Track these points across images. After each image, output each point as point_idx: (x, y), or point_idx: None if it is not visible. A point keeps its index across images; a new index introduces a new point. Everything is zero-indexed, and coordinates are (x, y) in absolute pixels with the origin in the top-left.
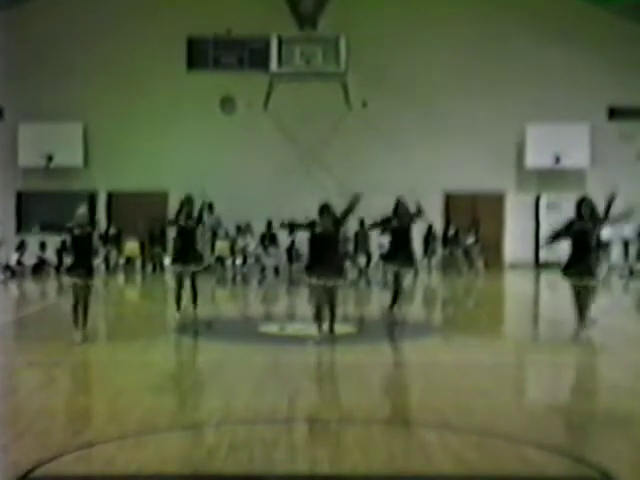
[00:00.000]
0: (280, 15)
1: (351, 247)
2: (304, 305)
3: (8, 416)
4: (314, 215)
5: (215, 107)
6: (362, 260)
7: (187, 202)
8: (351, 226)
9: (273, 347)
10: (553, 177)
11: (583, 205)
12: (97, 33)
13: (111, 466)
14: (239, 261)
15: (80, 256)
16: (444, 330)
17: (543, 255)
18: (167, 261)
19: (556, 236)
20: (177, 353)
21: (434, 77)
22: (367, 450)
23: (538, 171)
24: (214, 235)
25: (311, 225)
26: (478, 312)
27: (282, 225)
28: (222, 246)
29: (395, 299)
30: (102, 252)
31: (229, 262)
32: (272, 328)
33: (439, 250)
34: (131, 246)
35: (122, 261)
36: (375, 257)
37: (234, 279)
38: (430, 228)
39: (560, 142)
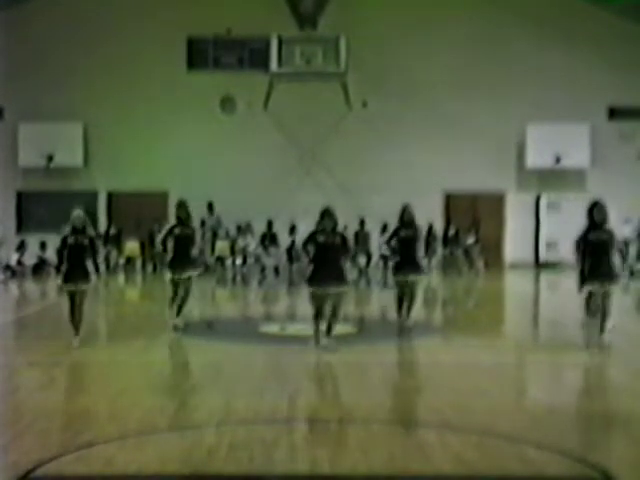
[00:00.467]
0: (280, 15)
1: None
2: (304, 305)
3: (8, 416)
4: (314, 215)
5: (215, 107)
6: (362, 260)
7: (179, 207)
8: (351, 226)
9: (273, 347)
10: (553, 177)
11: (595, 210)
12: (97, 33)
13: (111, 466)
14: (239, 261)
15: (75, 262)
16: (444, 330)
17: (543, 255)
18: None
19: (579, 249)
20: (177, 353)
21: (434, 77)
22: (367, 450)
23: (538, 171)
24: (214, 235)
25: (312, 235)
26: (478, 312)
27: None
28: (222, 246)
29: (409, 308)
30: (102, 252)
31: (229, 262)
32: (272, 328)
33: (439, 250)
34: (131, 246)
35: (122, 261)
36: (375, 257)
37: (234, 279)
38: (430, 228)
39: (560, 142)
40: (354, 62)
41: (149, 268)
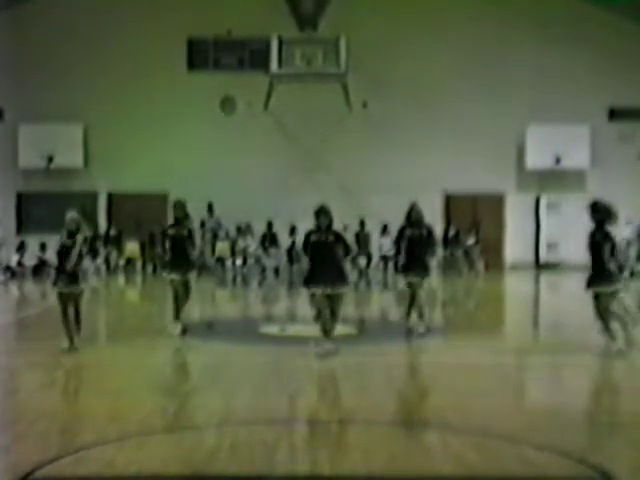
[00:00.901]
0: (280, 16)
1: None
2: (305, 306)
3: (8, 417)
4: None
5: (215, 108)
6: (362, 261)
7: (175, 207)
8: (351, 227)
9: (274, 348)
10: (553, 178)
11: (595, 210)
12: (97, 34)
13: (111, 467)
14: (239, 262)
15: (64, 264)
16: (445, 331)
17: (543, 256)
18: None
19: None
20: (178, 354)
21: (434, 78)
22: (368, 451)
23: (538, 172)
24: (214, 236)
25: (308, 235)
26: (479, 313)
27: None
28: (222, 247)
29: (421, 312)
30: (102, 253)
31: (229, 263)
32: (273, 329)
33: (439, 251)
34: (131, 247)
35: (122, 262)
36: (375, 258)
37: (234, 280)
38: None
39: (560, 143)
40: (354, 63)
41: (149, 269)
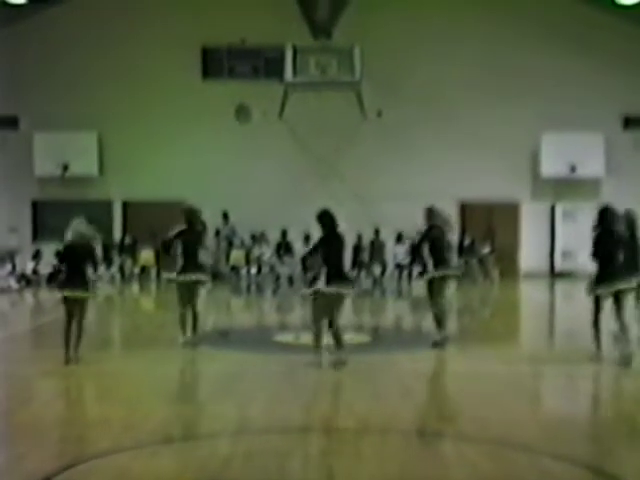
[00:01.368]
0: (294, 25)
1: (366, 256)
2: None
3: (24, 425)
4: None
5: (230, 116)
6: (377, 270)
7: (185, 213)
8: (366, 235)
9: (288, 356)
10: (568, 186)
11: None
12: (112, 42)
13: (126, 476)
14: (254, 270)
15: (74, 271)
16: (459, 340)
17: (558, 265)
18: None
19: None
20: (192, 362)
21: (449, 86)
22: (382, 460)
23: (553, 180)
24: (229, 244)
25: (315, 247)
26: (493, 322)
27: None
28: (237, 255)
29: (439, 318)
30: (117, 261)
31: (244, 271)
32: (287, 337)
33: (454, 259)
34: (146, 255)
35: (137, 270)
36: (390, 266)
37: (249, 288)
38: None
39: (575, 151)
40: (368, 71)
41: (164, 277)
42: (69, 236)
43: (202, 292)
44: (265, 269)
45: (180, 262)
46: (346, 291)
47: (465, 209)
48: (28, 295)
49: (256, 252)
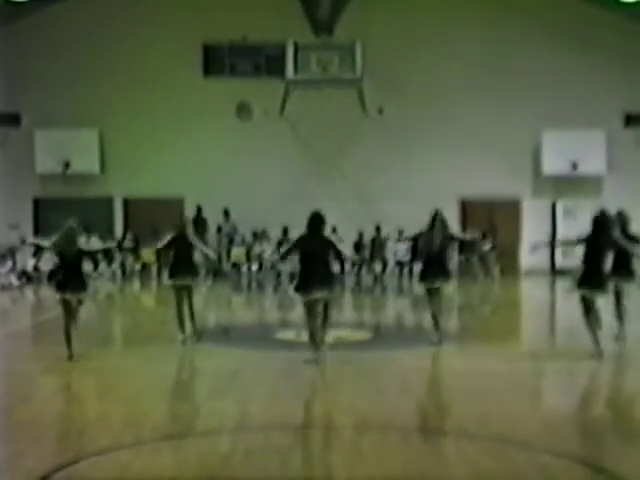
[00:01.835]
0: (296, 22)
1: (367, 254)
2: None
3: (24, 422)
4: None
5: (231, 114)
6: (378, 267)
7: (179, 226)
8: (367, 232)
9: (289, 354)
10: (569, 184)
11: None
12: (113, 39)
13: (127, 472)
14: (255, 267)
15: (69, 272)
16: (460, 337)
17: (559, 262)
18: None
19: None
20: (193, 359)
21: (450, 83)
22: (383, 457)
23: (554, 178)
24: (230, 241)
25: (296, 244)
26: (494, 319)
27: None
28: (238, 252)
29: (436, 319)
30: (118, 258)
31: (245, 268)
32: (288, 335)
33: (455, 257)
34: (147, 252)
35: (138, 267)
36: (391, 264)
37: (250, 285)
38: None
39: (576, 149)
40: (370, 69)
41: (165, 274)
42: (61, 241)
43: (202, 290)
44: (266, 266)
45: (172, 266)
46: (320, 296)
47: (466, 207)
48: (29, 292)
49: (257, 249)
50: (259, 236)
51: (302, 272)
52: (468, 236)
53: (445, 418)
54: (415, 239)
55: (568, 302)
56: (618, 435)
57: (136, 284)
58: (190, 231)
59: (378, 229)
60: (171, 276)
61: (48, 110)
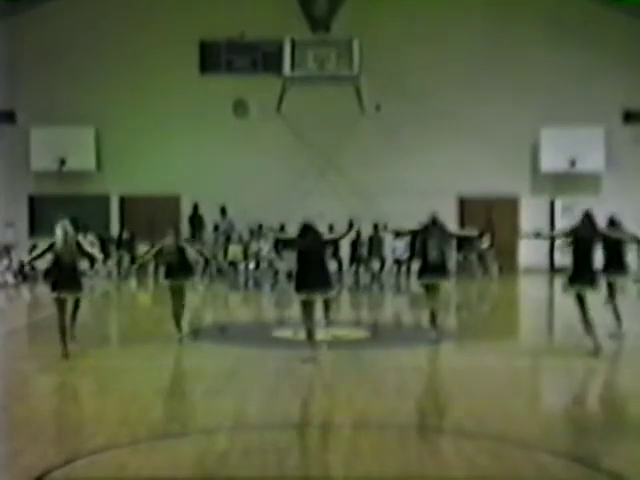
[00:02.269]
0: (293, 18)
1: (365, 251)
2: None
3: (21, 421)
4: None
5: (228, 111)
6: (376, 265)
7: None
8: (365, 230)
9: (286, 352)
10: (568, 181)
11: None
12: (109, 37)
13: (124, 471)
14: (252, 265)
15: (65, 271)
16: (458, 335)
17: (558, 260)
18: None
19: None
20: (190, 358)
21: (448, 80)
22: (381, 455)
23: (553, 175)
24: (227, 239)
25: (295, 240)
26: (492, 317)
27: (270, 231)
28: (235, 250)
29: (434, 317)
30: (115, 256)
31: (242, 266)
32: (285, 333)
33: (453, 255)
34: (144, 250)
35: (135, 265)
36: (389, 262)
37: (247, 283)
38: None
39: (575, 145)
40: (367, 65)
41: (161, 272)
42: (56, 242)
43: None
44: (263, 264)
45: (167, 267)
46: (315, 297)
47: (464, 204)
48: (25, 290)
49: (254, 247)
50: (256, 234)
51: (299, 271)
52: (466, 232)
53: (443, 417)
54: (414, 235)
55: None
56: (616, 433)
57: (132, 282)
58: (179, 237)
59: (376, 227)
60: (167, 276)
61: (44, 107)
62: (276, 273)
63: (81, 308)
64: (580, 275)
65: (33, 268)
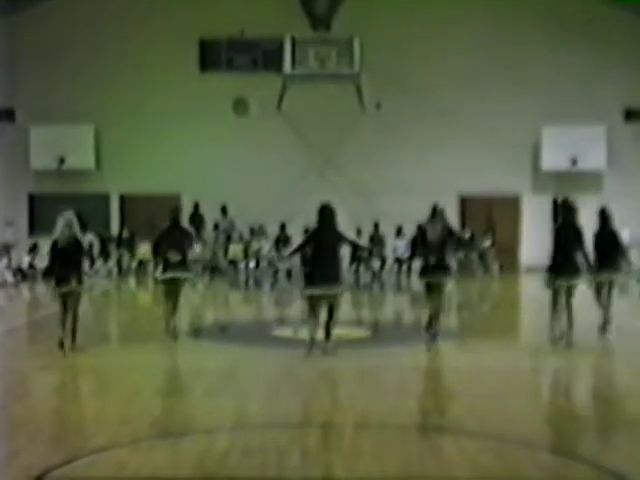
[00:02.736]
0: (293, 16)
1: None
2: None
3: (20, 420)
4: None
5: (228, 109)
6: (376, 264)
7: (170, 213)
8: (365, 229)
9: (286, 351)
10: (569, 179)
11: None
12: (109, 35)
13: (123, 470)
14: (252, 264)
15: (67, 267)
16: (459, 334)
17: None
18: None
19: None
20: (190, 357)
21: (449, 78)
22: (381, 455)
23: (554, 173)
24: (228, 238)
25: (309, 239)
26: (493, 316)
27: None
28: (236, 249)
29: (435, 316)
30: (115, 255)
31: (242, 265)
32: (285, 332)
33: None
34: (144, 249)
35: (134, 264)
36: (390, 260)
37: (247, 282)
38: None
39: (576, 144)
40: (368, 63)
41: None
42: (58, 236)
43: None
44: (264, 263)
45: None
46: (331, 292)
47: (465, 202)
48: (24, 289)
49: (255, 246)
50: (257, 232)
51: (313, 266)
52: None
53: (444, 416)
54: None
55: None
56: (618, 433)
57: (132, 281)
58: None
59: (376, 225)
60: (164, 271)
61: (43, 106)
62: (276, 272)
63: (82, 306)
64: (564, 268)
65: (32, 267)
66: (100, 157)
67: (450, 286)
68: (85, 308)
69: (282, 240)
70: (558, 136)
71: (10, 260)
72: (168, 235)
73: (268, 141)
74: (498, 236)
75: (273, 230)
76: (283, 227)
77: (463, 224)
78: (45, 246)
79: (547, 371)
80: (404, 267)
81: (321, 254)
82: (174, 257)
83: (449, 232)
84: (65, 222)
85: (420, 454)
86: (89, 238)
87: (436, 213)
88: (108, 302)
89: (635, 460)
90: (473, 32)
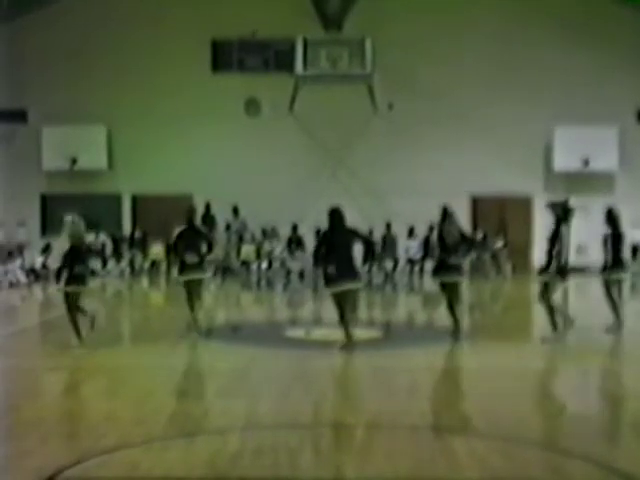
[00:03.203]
0: (305, 17)
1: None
2: (330, 309)
3: (32, 420)
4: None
5: (240, 110)
6: (389, 264)
7: (186, 213)
8: (377, 230)
9: (299, 352)
10: (581, 180)
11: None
12: (121, 36)
13: (136, 471)
14: (265, 265)
15: (76, 267)
16: (471, 335)
17: (571, 259)
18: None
19: None
20: (202, 357)
21: (461, 79)
22: (393, 456)
23: (566, 174)
24: (240, 239)
25: (321, 242)
26: (505, 317)
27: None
28: (248, 250)
29: (454, 315)
30: (127, 255)
31: (254, 266)
32: (298, 333)
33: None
34: (156, 249)
35: (147, 264)
36: (402, 261)
37: (259, 283)
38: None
39: (588, 145)
40: (380, 64)
41: (174, 271)
42: (66, 239)
43: (212, 288)
44: (276, 264)
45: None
46: (350, 287)
47: (477, 203)
48: (37, 289)
49: (267, 247)
50: (269, 233)
51: (331, 265)
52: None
53: (456, 417)
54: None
55: (581, 300)
56: (631, 435)
57: (145, 281)
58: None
59: (389, 226)
60: (181, 272)
61: (55, 107)
62: (288, 273)
63: (94, 306)
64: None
65: (45, 267)
66: (112, 158)
67: (463, 286)
68: (98, 308)
69: (294, 241)
70: (570, 137)
71: (23, 260)
72: (184, 236)
73: (280, 142)
74: (510, 237)
75: (284, 231)
76: (295, 228)
77: (475, 225)
78: (58, 247)
79: (559, 372)
80: (416, 268)
81: (336, 253)
82: (191, 259)
83: (462, 236)
84: (71, 225)
85: (431, 455)
86: (102, 238)
87: (447, 215)
88: (120, 302)
89: None
90: (485, 34)
